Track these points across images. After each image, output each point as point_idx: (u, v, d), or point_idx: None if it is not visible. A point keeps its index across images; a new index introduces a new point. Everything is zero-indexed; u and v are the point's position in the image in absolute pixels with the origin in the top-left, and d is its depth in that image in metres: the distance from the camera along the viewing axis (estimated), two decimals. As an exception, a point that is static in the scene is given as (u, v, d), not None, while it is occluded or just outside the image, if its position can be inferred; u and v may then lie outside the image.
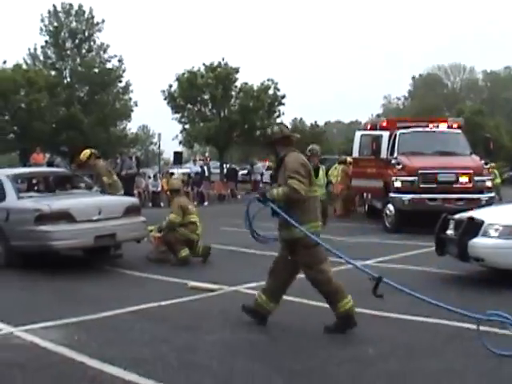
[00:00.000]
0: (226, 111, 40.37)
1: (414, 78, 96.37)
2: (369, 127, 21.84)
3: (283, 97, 40.78)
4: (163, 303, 8.77)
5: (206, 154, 52.35)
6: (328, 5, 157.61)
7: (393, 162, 18.03)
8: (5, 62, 42.39)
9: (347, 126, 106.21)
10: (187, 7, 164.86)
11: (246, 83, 40.77)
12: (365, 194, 22.55)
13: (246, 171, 40.40)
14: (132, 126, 57.15)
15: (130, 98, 47.96)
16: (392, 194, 17.57)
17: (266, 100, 39.77)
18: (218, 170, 40.88)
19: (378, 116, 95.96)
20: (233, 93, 40.88)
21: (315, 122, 71.05)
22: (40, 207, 11.01)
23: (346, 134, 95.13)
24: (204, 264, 12.37)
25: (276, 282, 7.44)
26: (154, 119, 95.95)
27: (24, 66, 44.76)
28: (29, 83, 40.85)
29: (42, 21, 47.67)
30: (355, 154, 21.36)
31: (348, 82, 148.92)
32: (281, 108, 41.21)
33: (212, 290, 9.66)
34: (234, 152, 51.77)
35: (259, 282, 8.60)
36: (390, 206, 17.63)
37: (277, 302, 7.50)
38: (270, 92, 40.51)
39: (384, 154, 19.14)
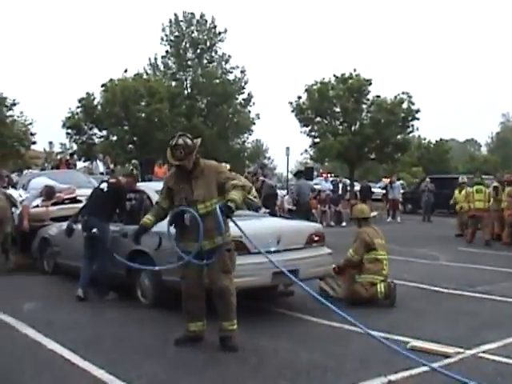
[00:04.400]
0: (358, 125, 37.59)
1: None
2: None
3: (417, 111, 37.67)
4: (392, 378, 6.13)
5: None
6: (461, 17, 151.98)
7: None
8: (126, 71, 41.12)
9: (462, 145, 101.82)
10: (314, 17, 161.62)
11: (379, 96, 37.93)
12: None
13: (382, 189, 37.53)
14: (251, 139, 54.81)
15: (249, 111, 46.07)
16: None
17: (399, 114, 36.76)
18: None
19: (498, 134, 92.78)
20: (364, 106, 38.09)
21: (440, 139, 66.64)
22: (204, 234, 8.50)
23: (462, 152, 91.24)
24: (394, 308, 9.58)
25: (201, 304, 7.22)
26: (277, 132, 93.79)
27: (144, 76, 43.44)
28: (150, 93, 39.40)
29: (163, 30, 46.82)
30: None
31: (463, 99, 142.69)
32: (415, 123, 38.04)
33: (446, 355, 6.91)
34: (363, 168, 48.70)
35: (502, 342, 7.43)
36: None
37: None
38: (404, 106, 37.46)
39: None
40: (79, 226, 10.66)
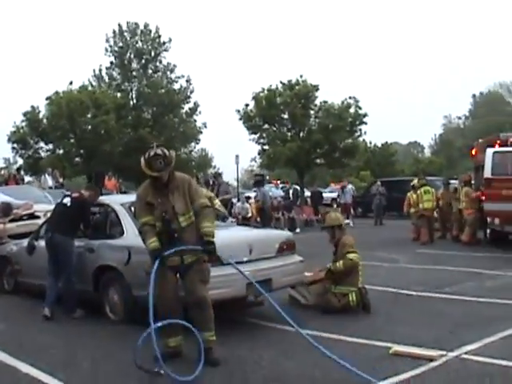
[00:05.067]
0: (306, 131, 37.70)
1: (474, 96, 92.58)
2: (497, 144, 19.02)
3: (365, 115, 37.94)
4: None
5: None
6: (404, 22, 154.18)
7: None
8: (71, 83, 40.48)
9: (405, 147, 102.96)
10: (259, 24, 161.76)
11: (326, 101, 38.13)
12: (489, 219, 19.63)
13: (334, 194, 37.67)
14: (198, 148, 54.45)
15: (195, 120, 45.82)
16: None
17: (347, 119, 36.99)
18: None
19: (441, 136, 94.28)
20: (312, 111, 38.22)
21: (386, 142, 67.33)
22: (176, 246, 8.30)
23: (405, 154, 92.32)
24: (370, 314, 9.52)
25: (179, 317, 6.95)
26: (223, 141, 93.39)
27: (90, 88, 42.88)
28: (96, 105, 38.88)
29: (107, 41, 46.31)
30: (487, 174, 18.55)
31: (405, 101, 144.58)
32: (362, 127, 38.32)
33: (430, 359, 6.87)
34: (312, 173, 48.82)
35: (481, 342, 7.47)
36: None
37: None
38: (352, 110, 37.71)
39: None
40: (40, 243, 10.39)
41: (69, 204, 9.91)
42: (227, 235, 9.28)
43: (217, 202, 11.74)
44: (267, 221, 21.97)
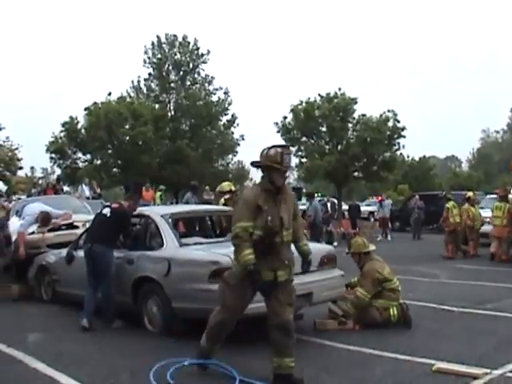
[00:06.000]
0: (344, 144, 37.45)
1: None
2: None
3: (403, 129, 37.57)
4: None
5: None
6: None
7: None
8: (110, 94, 40.71)
9: (443, 161, 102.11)
10: (298, 37, 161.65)
11: (364, 114, 37.85)
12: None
13: (372, 207, 37.41)
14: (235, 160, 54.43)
15: (233, 133, 45.78)
16: None
17: (385, 132, 36.68)
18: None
19: (479, 150, 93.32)
20: (350, 124, 37.98)
21: (424, 156, 66.81)
22: (217, 259, 8.12)
23: (443, 168, 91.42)
24: (411, 330, 9.29)
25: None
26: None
27: (128, 99, 43.09)
28: (134, 116, 39.03)
29: (146, 53, 46.45)
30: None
31: (443, 115, 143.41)
32: (400, 140, 37.93)
33: (474, 377, 6.67)
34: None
35: None
36: None
37: None
38: (390, 124, 37.39)
39: None
40: (79, 253, 10.37)
41: (108, 215, 9.87)
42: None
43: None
44: (318, 235, 21.62)
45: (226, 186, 14.02)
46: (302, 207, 31.54)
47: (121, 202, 10.37)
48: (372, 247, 10.13)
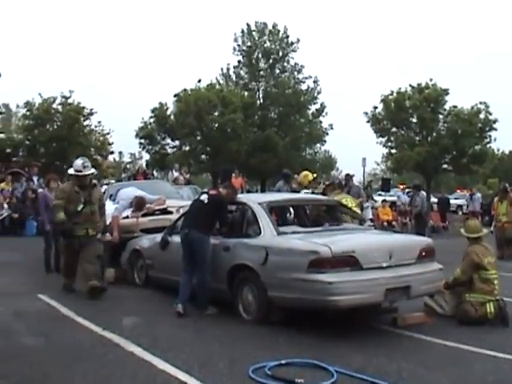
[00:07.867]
0: (434, 136, 36.59)
1: None
2: None
3: (495, 121, 36.38)
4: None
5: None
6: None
7: None
8: (199, 81, 40.80)
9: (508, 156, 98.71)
10: (389, 26, 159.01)
11: (456, 106, 36.84)
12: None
13: (460, 201, 36.48)
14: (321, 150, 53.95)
15: (321, 122, 45.34)
16: None
17: (477, 124, 35.63)
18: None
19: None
20: (441, 116, 37.06)
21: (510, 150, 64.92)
22: (316, 249, 8.00)
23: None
24: (509, 328, 8.98)
25: None
26: (347, 143, 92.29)
27: (217, 86, 43.21)
28: (223, 103, 39.07)
29: (236, 40, 46.36)
30: None
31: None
32: (492, 133, 36.76)
33: None
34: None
35: None
36: None
37: None
38: (481, 116, 36.29)
39: None
40: (174, 239, 10.36)
41: (206, 201, 9.81)
42: (367, 239, 8.97)
43: (354, 204, 11.46)
44: (422, 227, 21.27)
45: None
46: (390, 198, 31.48)
47: (219, 189, 10.29)
48: (485, 231, 9.94)
